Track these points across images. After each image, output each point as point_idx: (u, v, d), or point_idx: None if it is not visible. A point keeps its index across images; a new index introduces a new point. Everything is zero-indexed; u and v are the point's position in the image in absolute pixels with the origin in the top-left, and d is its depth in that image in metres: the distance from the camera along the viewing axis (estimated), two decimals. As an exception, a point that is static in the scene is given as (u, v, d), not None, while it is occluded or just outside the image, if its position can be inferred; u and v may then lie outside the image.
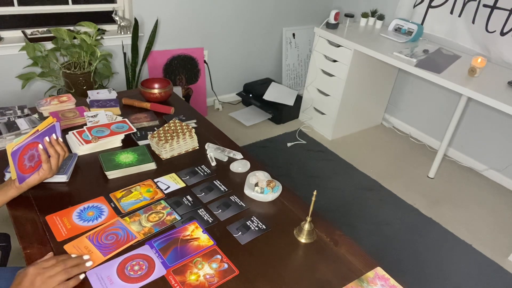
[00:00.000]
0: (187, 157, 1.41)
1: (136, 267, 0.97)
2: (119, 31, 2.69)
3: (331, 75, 3.05)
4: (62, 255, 0.93)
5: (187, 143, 1.42)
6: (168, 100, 1.79)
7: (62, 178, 1.22)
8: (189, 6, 2.94)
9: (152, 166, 1.32)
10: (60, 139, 1.14)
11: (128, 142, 1.44)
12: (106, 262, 0.97)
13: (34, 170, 1.09)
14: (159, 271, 0.96)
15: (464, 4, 2.71)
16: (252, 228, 1.12)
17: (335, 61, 2.98)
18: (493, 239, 2.36)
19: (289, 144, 3.05)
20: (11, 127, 1.37)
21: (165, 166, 1.34)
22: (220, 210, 1.17)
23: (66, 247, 1.00)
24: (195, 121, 1.64)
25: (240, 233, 1.10)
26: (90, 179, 1.25)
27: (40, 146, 1.08)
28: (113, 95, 1.72)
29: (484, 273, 2.11)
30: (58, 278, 0.87)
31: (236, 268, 0.99)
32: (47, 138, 1.09)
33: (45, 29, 2.48)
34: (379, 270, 1.03)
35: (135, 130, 1.45)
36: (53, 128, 1.13)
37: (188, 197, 1.21)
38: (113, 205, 1.15)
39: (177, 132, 1.41)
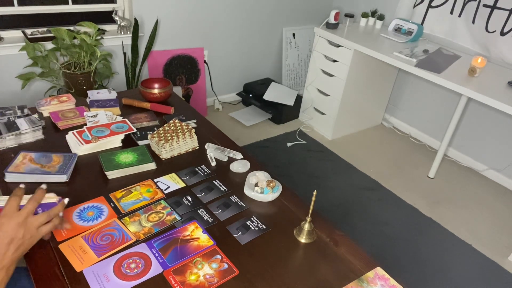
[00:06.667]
0: (187, 157, 1.41)
1: (133, 265, 0.97)
2: (119, 31, 2.69)
3: (331, 75, 3.05)
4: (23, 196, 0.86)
5: (187, 143, 1.42)
6: (168, 100, 1.79)
7: (62, 178, 1.21)
8: (189, 6, 2.94)
9: (152, 166, 1.32)
10: (61, 214, 0.95)
11: (128, 142, 1.44)
12: (102, 260, 0.98)
13: None
14: (155, 269, 0.96)
15: (464, 4, 2.71)
16: (252, 228, 1.12)
17: (335, 61, 2.98)
18: (493, 239, 2.36)
19: (289, 144, 3.05)
20: (11, 127, 1.37)
21: (165, 166, 1.34)
22: (220, 210, 1.17)
23: (61, 246, 1.00)
24: (195, 121, 1.64)
25: (240, 233, 1.10)
26: (90, 179, 1.25)
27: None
28: (113, 95, 1.72)
29: (484, 273, 2.11)
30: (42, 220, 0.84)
31: (236, 268, 0.99)
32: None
33: (45, 29, 2.48)
34: (379, 270, 1.03)
35: (135, 130, 1.45)
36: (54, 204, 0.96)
37: (188, 197, 1.21)
38: (113, 205, 1.15)
39: (177, 132, 1.41)
